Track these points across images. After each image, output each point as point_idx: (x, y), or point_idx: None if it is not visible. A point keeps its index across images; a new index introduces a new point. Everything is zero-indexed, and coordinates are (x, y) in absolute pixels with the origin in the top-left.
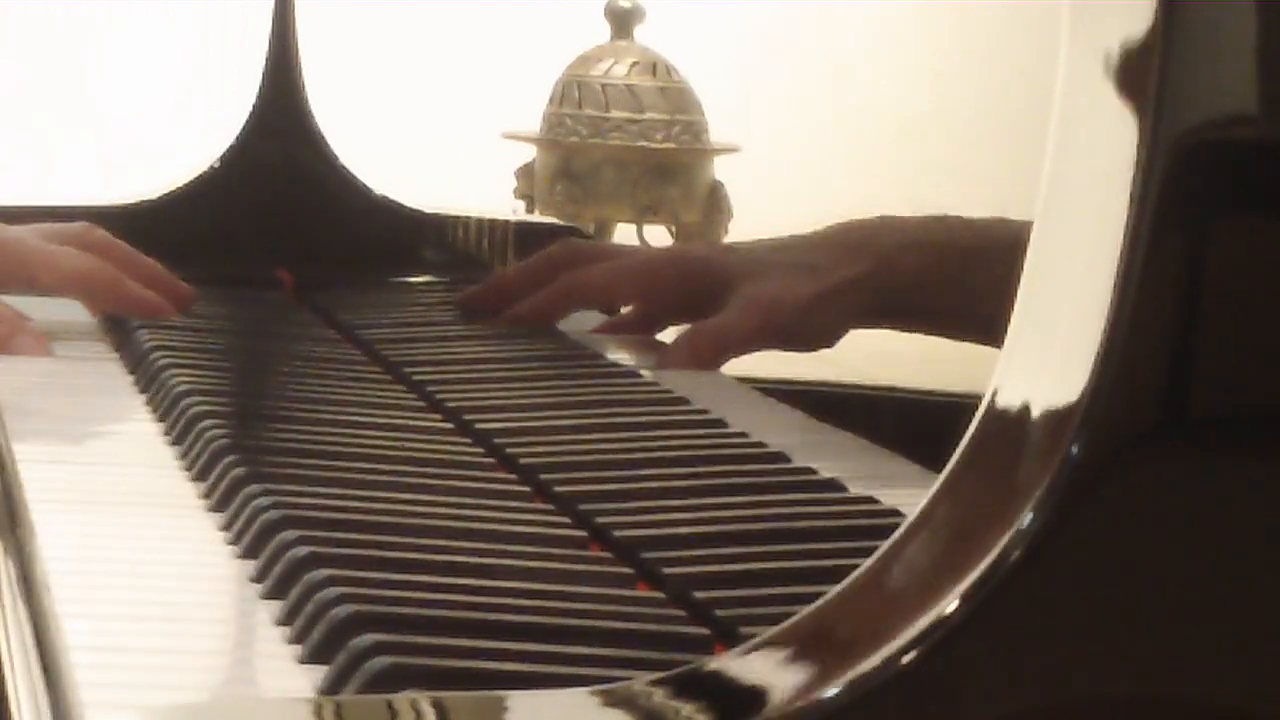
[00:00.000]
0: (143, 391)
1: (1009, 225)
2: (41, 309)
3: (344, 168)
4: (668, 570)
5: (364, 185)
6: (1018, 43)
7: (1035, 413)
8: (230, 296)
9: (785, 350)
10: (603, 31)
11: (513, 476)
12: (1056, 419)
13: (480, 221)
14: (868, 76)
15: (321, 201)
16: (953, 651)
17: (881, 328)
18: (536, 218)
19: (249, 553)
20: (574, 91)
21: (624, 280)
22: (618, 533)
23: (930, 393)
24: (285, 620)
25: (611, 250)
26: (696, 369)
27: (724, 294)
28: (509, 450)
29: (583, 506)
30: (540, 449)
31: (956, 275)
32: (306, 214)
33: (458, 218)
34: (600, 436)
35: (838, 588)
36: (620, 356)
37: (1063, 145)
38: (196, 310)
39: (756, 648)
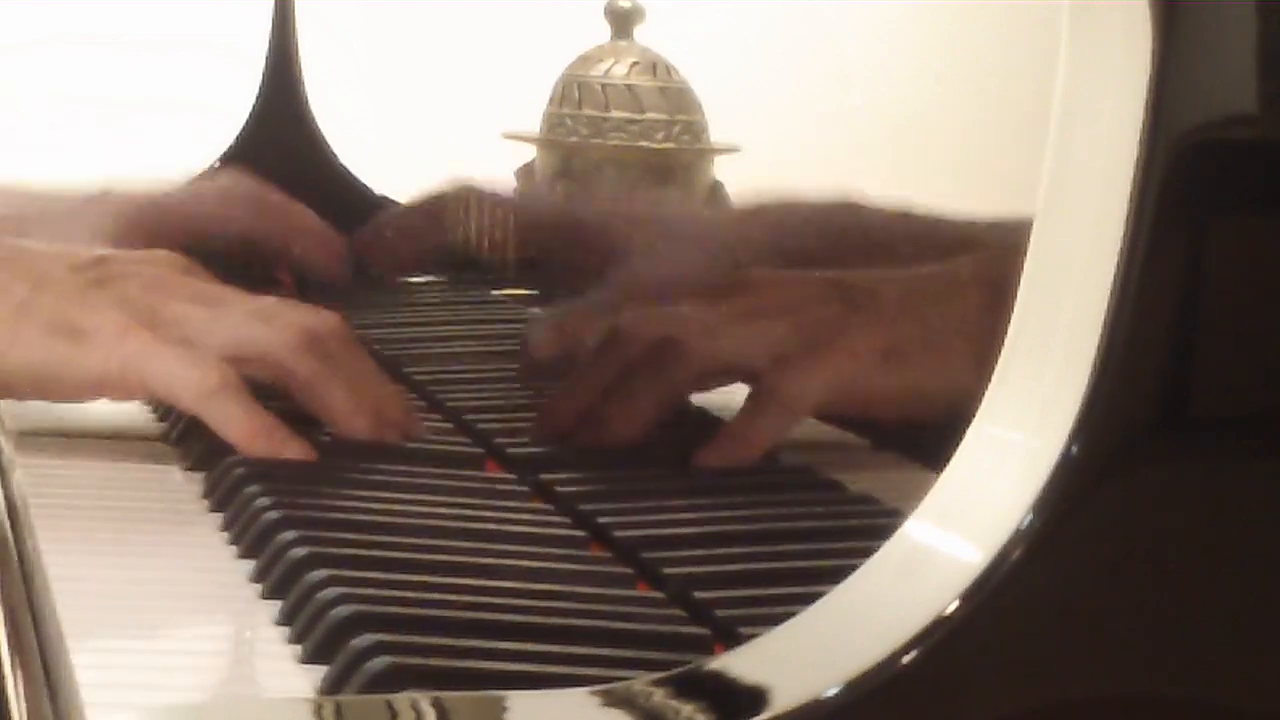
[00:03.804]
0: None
1: (913, 217)
2: None
3: (344, 168)
4: (668, 570)
5: (364, 185)
6: (1018, 43)
7: (1035, 412)
8: None
9: None
10: (603, 31)
11: (513, 476)
12: (1056, 419)
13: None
14: (868, 76)
15: (321, 201)
16: (953, 651)
17: None
18: None
19: (249, 553)
20: (574, 91)
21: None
22: (618, 533)
23: None
24: (285, 620)
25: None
26: (562, 350)
27: (608, 266)
28: (509, 450)
29: (583, 506)
30: (540, 448)
31: (856, 262)
32: None
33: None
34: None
35: (837, 588)
36: None
37: (1063, 145)
38: None
39: (756, 648)
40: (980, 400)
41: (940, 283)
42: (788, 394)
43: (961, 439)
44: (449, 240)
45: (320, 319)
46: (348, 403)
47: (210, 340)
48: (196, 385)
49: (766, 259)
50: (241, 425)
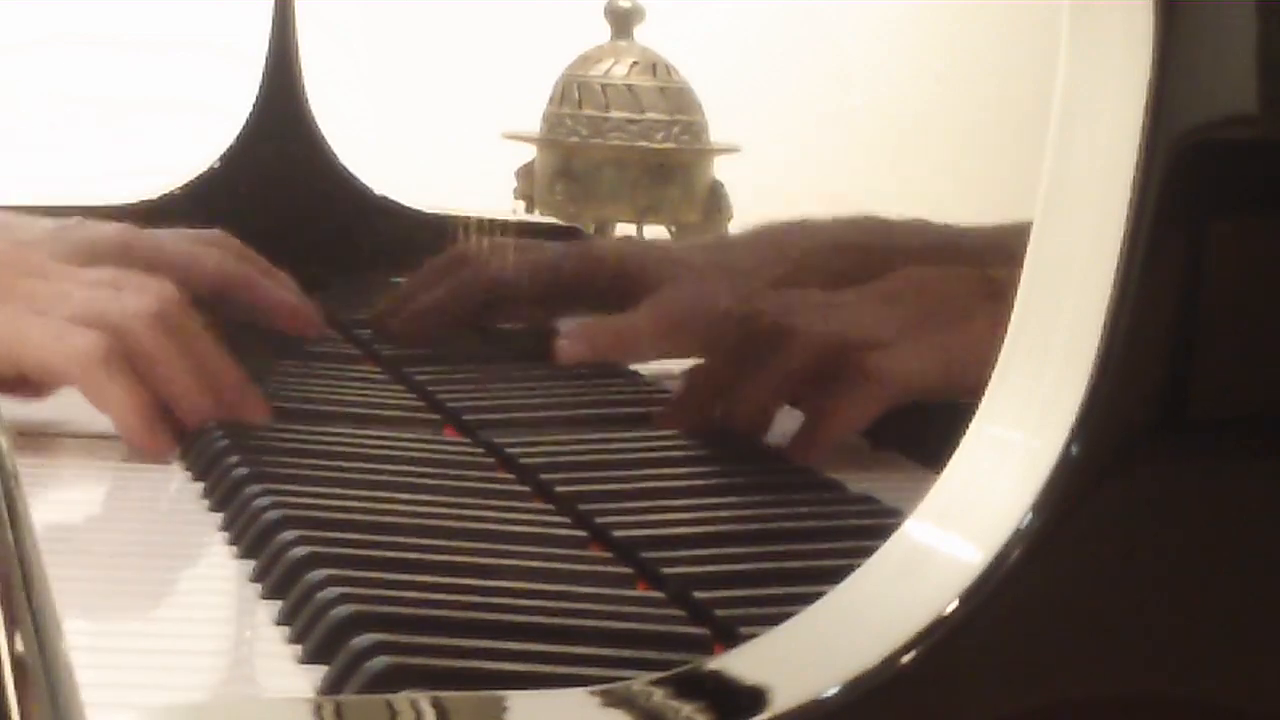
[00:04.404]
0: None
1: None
2: None
3: (344, 168)
4: (668, 570)
5: (364, 185)
6: (1018, 43)
7: (1035, 412)
8: None
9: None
10: (603, 31)
11: (512, 476)
12: (1056, 418)
13: (480, 221)
14: (868, 76)
15: (321, 201)
16: (953, 651)
17: None
18: (536, 218)
19: (249, 553)
20: (574, 91)
21: (524, 272)
22: (618, 533)
23: None
24: (285, 620)
25: (523, 246)
26: (590, 360)
27: (638, 293)
28: (509, 450)
29: (583, 506)
30: (540, 449)
31: (875, 277)
32: (306, 214)
33: (458, 218)
34: (600, 436)
35: (837, 588)
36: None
37: (1063, 145)
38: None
39: (756, 648)
40: None
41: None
42: (883, 371)
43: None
44: (471, 296)
45: (162, 289)
46: (193, 384)
47: (63, 312)
48: (71, 357)
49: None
50: (116, 403)
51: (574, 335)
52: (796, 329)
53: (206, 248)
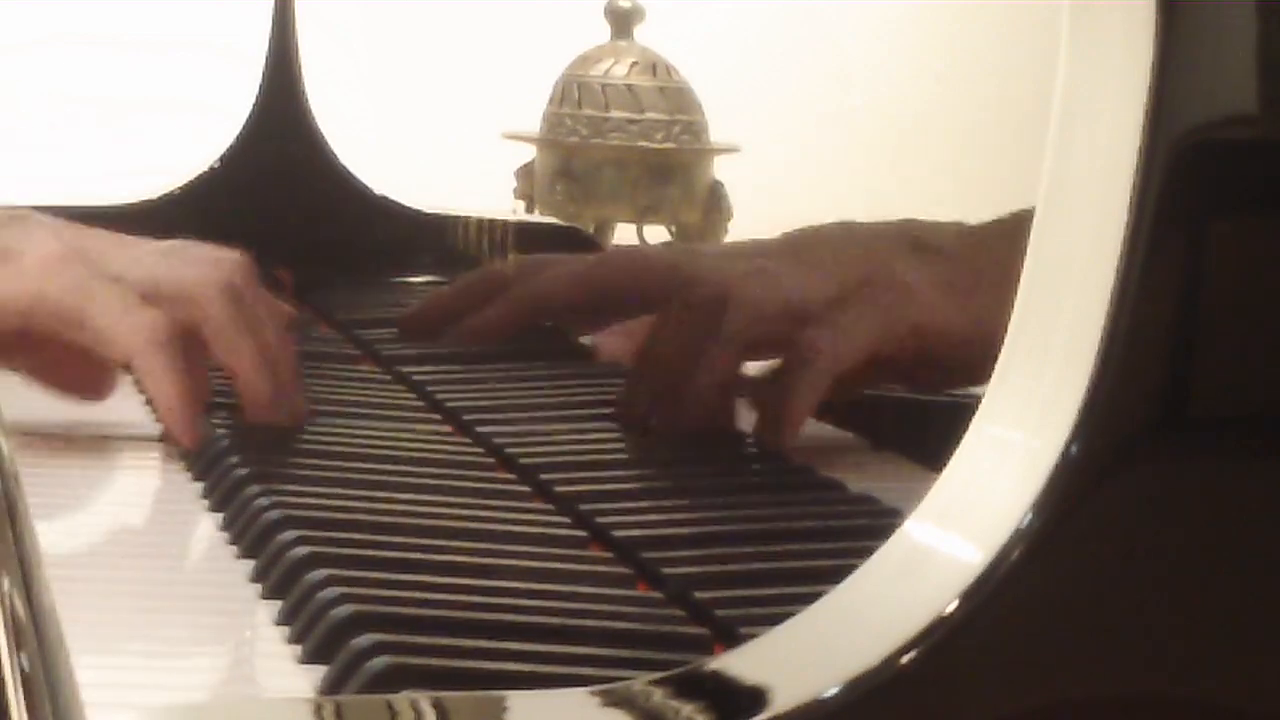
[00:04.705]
0: (143, 392)
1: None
2: None
3: (344, 168)
4: (668, 570)
5: (364, 185)
6: (1018, 43)
7: (1035, 412)
8: None
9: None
10: (603, 31)
11: (513, 476)
12: (1056, 418)
13: (480, 221)
14: (868, 76)
15: (321, 201)
16: (953, 651)
17: None
18: (536, 218)
19: (249, 553)
20: (574, 91)
21: (572, 285)
22: (618, 533)
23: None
24: (285, 620)
25: (551, 260)
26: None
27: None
28: (509, 450)
29: (583, 506)
30: (540, 449)
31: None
32: (306, 214)
33: (458, 218)
34: (600, 436)
35: (837, 588)
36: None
37: (1063, 145)
38: None
39: (756, 648)
40: None
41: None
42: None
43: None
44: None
45: (234, 261)
46: (255, 359)
47: (130, 276)
48: (134, 333)
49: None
50: (169, 387)
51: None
52: (733, 299)
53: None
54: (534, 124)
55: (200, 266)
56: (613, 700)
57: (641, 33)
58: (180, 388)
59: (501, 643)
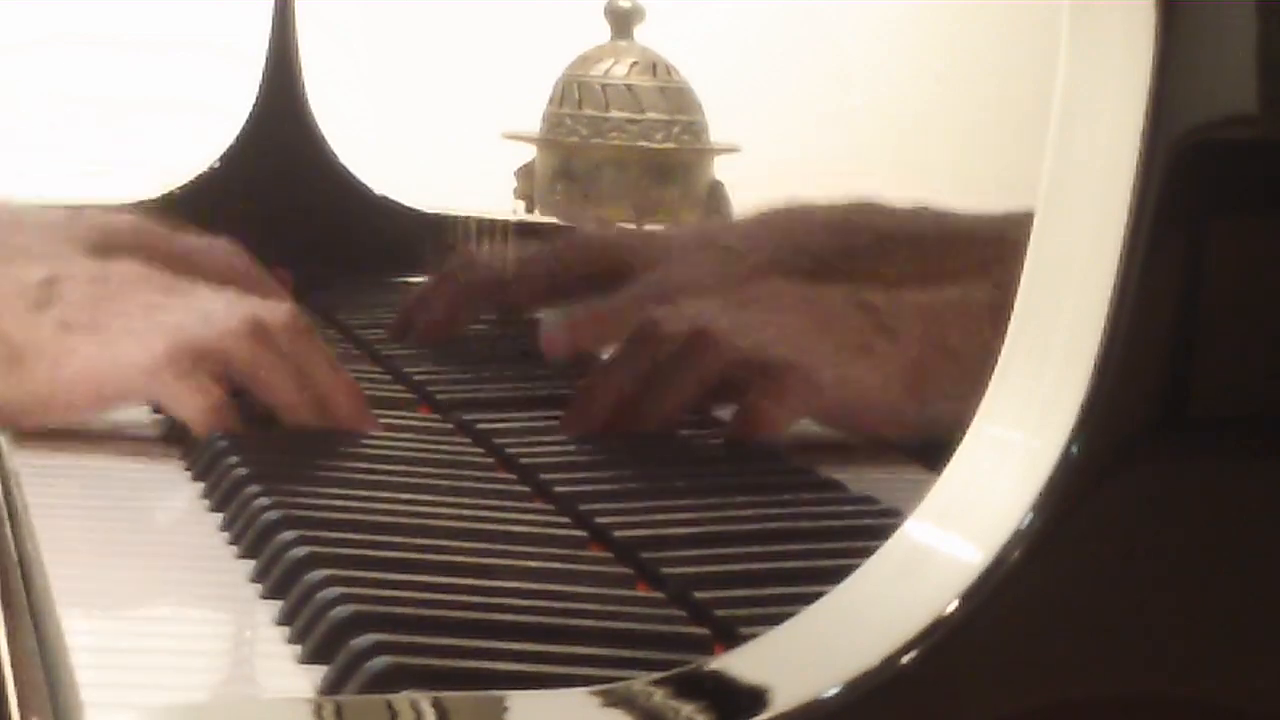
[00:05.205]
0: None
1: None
2: None
3: (344, 168)
4: (668, 570)
5: (364, 185)
6: (1018, 43)
7: (1035, 412)
8: None
9: None
10: (603, 31)
11: (513, 476)
12: (1056, 418)
13: (480, 221)
14: (868, 76)
15: (321, 201)
16: (953, 651)
17: None
18: (537, 218)
19: (249, 553)
20: (574, 91)
21: (534, 270)
22: (618, 533)
23: None
24: (285, 620)
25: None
26: (573, 353)
27: (629, 277)
28: (509, 450)
29: (583, 506)
30: (540, 449)
31: (872, 261)
32: (306, 214)
33: (457, 218)
34: (600, 436)
35: (837, 588)
36: None
37: (1063, 145)
38: None
39: (756, 648)
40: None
41: (964, 306)
42: (797, 385)
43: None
44: (484, 291)
45: (270, 310)
46: (291, 392)
47: (156, 333)
48: (143, 366)
49: (782, 262)
50: (193, 402)
51: (557, 331)
52: (709, 340)
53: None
54: (534, 124)
55: (228, 315)
56: (613, 700)
57: (641, 33)
58: (203, 403)
59: (501, 643)
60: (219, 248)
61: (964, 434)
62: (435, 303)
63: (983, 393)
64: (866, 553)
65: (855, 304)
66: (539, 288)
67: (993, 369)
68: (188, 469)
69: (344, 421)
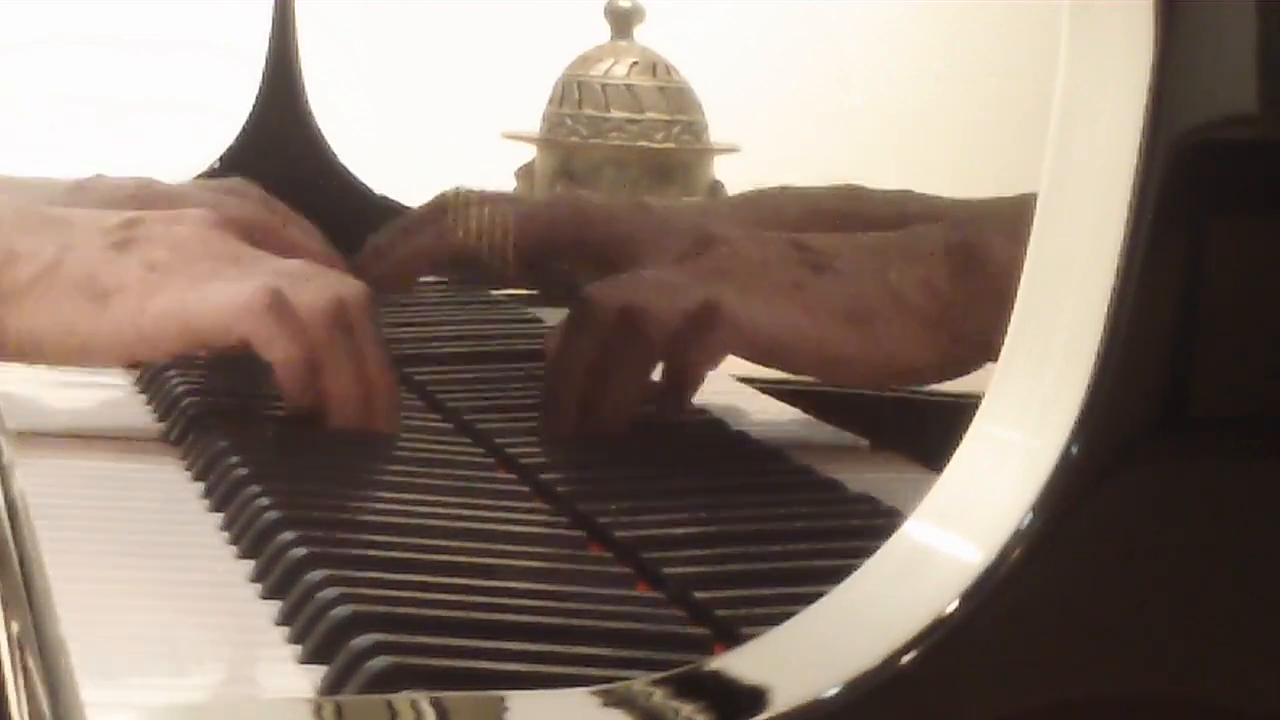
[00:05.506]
0: (142, 392)
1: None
2: None
3: (344, 168)
4: (668, 570)
5: (364, 185)
6: (1018, 43)
7: (1035, 412)
8: None
9: None
10: (603, 31)
11: (513, 476)
12: (1056, 418)
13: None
14: (868, 76)
15: (321, 201)
16: (953, 651)
17: None
18: None
19: (249, 553)
20: (574, 91)
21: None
22: (618, 533)
23: (930, 393)
24: (285, 620)
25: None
26: None
27: (619, 251)
28: (509, 450)
29: (583, 506)
30: (540, 449)
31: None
32: (306, 214)
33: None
34: (600, 437)
35: (837, 588)
36: None
37: (1063, 146)
38: None
39: (756, 648)
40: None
41: (902, 247)
42: (719, 321)
43: (960, 439)
44: (450, 245)
45: (350, 289)
46: (348, 386)
47: (251, 276)
48: (240, 303)
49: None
50: (289, 348)
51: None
52: (637, 312)
53: (228, 195)
54: (534, 124)
55: (316, 286)
56: (613, 700)
57: (641, 33)
58: (294, 352)
59: (501, 643)
60: (295, 220)
61: (906, 386)
62: (388, 252)
63: (931, 352)
64: (866, 553)
65: (789, 243)
66: (515, 254)
67: (942, 311)
68: (188, 469)
69: (381, 424)
